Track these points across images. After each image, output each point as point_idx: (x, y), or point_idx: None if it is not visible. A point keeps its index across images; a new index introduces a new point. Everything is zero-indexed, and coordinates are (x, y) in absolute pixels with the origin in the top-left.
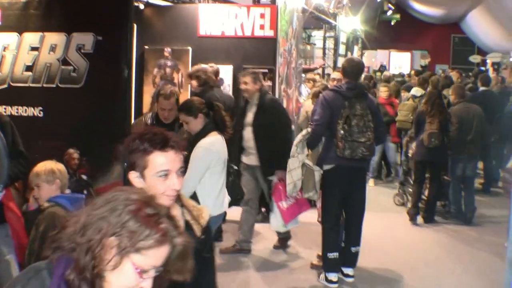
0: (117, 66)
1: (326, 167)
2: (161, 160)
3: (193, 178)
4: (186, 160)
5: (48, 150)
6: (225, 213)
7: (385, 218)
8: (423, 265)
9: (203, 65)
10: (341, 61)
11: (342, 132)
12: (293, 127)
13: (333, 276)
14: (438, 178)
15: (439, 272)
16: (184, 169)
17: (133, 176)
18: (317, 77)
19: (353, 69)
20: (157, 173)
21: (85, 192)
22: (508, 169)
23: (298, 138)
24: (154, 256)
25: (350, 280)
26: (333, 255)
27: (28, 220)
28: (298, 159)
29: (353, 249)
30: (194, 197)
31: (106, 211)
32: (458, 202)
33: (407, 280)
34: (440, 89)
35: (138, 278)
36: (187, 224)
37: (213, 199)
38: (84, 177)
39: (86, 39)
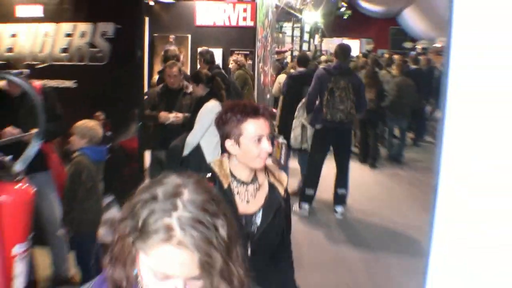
0: (132, 49)
1: (316, 126)
2: (254, 127)
3: (199, 131)
4: (191, 120)
5: (80, 113)
6: None
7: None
8: (366, 201)
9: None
10: (305, 46)
11: (326, 101)
12: (268, 96)
13: (305, 206)
14: (376, 132)
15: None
16: (272, 135)
17: (229, 144)
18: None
19: (342, 52)
20: (252, 138)
21: (108, 145)
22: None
23: (300, 104)
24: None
25: (338, 216)
26: (309, 191)
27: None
28: (299, 120)
29: (339, 191)
30: (198, 147)
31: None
32: (395, 150)
33: (355, 213)
34: (384, 67)
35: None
36: (272, 185)
37: (212, 150)
38: (108, 133)
39: (108, 27)
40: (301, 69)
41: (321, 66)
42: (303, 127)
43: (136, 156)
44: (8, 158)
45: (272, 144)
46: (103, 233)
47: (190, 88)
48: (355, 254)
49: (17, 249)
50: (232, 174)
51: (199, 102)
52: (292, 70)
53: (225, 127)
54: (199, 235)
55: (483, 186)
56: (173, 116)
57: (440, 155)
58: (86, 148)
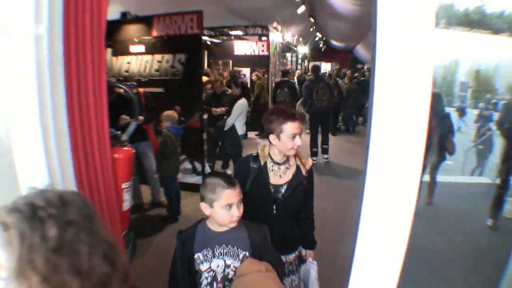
0: (195, 69)
1: (310, 111)
2: (291, 127)
3: (234, 116)
4: (229, 110)
5: (166, 107)
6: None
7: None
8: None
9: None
10: (299, 66)
11: (315, 96)
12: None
13: (313, 158)
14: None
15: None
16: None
17: (272, 137)
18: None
19: (315, 69)
20: (288, 135)
21: (183, 125)
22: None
23: (299, 101)
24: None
25: (326, 160)
26: (314, 149)
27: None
28: (299, 110)
29: (324, 146)
30: (233, 126)
31: None
32: (348, 126)
33: (331, 159)
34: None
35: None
36: (298, 167)
37: (240, 127)
38: (182, 118)
39: (182, 57)
40: (284, 78)
41: (307, 79)
42: (302, 114)
43: (198, 131)
44: (119, 132)
45: None
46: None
47: (229, 91)
48: (336, 180)
49: (124, 185)
50: (270, 156)
51: (234, 99)
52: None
53: (270, 125)
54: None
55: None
56: (219, 110)
57: (369, 132)
58: (169, 127)
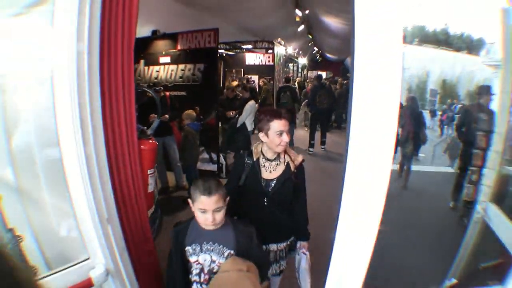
0: (212, 76)
1: (312, 111)
2: (278, 125)
3: (244, 115)
4: (240, 111)
5: (188, 107)
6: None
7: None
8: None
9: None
10: (299, 74)
11: (317, 99)
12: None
13: (309, 149)
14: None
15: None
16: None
17: (261, 135)
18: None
19: (318, 78)
20: (275, 133)
21: (202, 122)
22: None
23: (303, 102)
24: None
25: (323, 149)
26: (312, 142)
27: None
28: (303, 110)
29: (322, 139)
30: (244, 123)
31: None
32: (339, 123)
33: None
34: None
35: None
36: (288, 163)
37: (249, 124)
38: (201, 117)
39: (201, 66)
40: (287, 84)
41: (309, 85)
42: (305, 113)
43: (215, 127)
44: (145, 128)
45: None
46: (199, 165)
47: (240, 95)
48: (330, 164)
49: (149, 171)
50: (263, 153)
51: (245, 101)
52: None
53: (260, 124)
54: None
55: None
56: (232, 113)
57: (349, 129)
58: (190, 123)
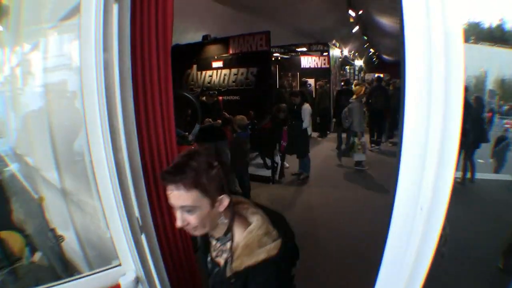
0: (265, 80)
1: (370, 110)
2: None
3: (306, 121)
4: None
5: (241, 112)
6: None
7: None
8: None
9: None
10: (356, 77)
11: (372, 100)
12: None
13: (372, 145)
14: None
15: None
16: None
17: None
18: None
19: (378, 79)
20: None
21: (256, 127)
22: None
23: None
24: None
25: (377, 148)
26: (372, 138)
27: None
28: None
29: (378, 139)
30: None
31: None
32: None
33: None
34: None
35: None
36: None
37: (308, 123)
38: (255, 121)
39: (254, 70)
40: (346, 87)
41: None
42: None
43: (270, 131)
44: (186, 133)
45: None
46: (253, 171)
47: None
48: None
49: None
50: None
51: (300, 104)
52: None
53: None
54: None
55: None
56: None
57: (402, 131)
58: (238, 132)
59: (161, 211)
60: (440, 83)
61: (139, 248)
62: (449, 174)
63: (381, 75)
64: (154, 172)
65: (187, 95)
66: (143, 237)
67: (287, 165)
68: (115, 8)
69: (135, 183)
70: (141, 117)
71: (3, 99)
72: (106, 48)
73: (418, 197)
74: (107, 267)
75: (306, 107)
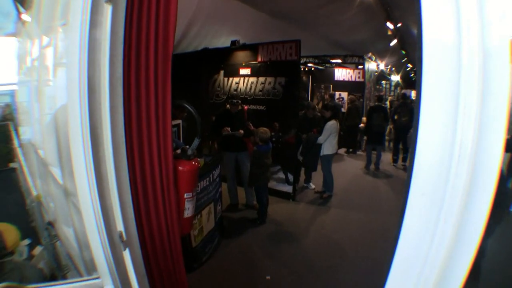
0: (293, 91)
1: (395, 126)
2: None
3: (324, 136)
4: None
5: (267, 123)
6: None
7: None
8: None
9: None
10: (392, 93)
11: (397, 116)
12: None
13: (394, 164)
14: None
15: None
16: None
17: None
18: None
19: (403, 96)
20: None
21: (280, 140)
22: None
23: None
24: None
25: (403, 164)
26: (394, 157)
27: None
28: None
29: (404, 154)
30: (317, 144)
31: None
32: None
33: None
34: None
35: None
36: None
37: (331, 146)
38: (280, 134)
39: (282, 80)
40: (378, 103)
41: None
42: (390, 129)
43: (293, 146)
44: (187, 147)
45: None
46: (274, 185)
47: (318, 115)
48: None
49: (186, 195)
50: None
51: (325, 121)
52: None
53: None
54: None
55: None
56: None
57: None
58: (259, 145)
59: (150, 226)
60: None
61: (119, 264)
62: None
63: (408, 92)
64: (145, 186)
65: (187, 106)
66: (127, 252)
67: (312, 186)
68: (107, 8)
69: (121, 196)
70: (133, 127)
71: (29, 89)
72: (93, 49)
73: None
74: (87, 277)
75: (330, 125)
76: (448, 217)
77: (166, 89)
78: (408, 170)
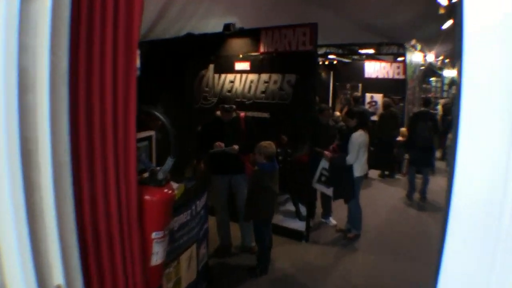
0: (307, 93)
1: None
2: None
3: (353, 154)
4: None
5: (271, 135)
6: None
7: None
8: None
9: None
10: (444, 94)
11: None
12: None
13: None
14: None
15: None
16: None
17: None
18: None
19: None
20: None
21: (288, 158)
22: None
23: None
24: None
25: None
26: None
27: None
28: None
29: None
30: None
31: None
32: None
33: None
34: None
35: None
36: None
37: (360, 166)
38: (289, 150)
39: (292, 77)
40: (425, 109)
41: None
42: None
43: (306, 167)
44: (157, 169)
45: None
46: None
47: (341, 123)
48: None
49: (155, 235)
50: None
51: (349, 132)
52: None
53: None
54: None
55: None
56: (328, 153)
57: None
58: (263, 163)
59: (101, 278)
60: None
61: None
62: None
63: None
64: (97, 223)
65: (155, 113)
66: None
67: (333, 222)
68: None
69: (62, 238)
70: (81, 141)
71: None
72: (25, 31)
73: None
74: None
75: (357, 136)
76: (501, 277)
77: (129, 90)
78: (445, 208)
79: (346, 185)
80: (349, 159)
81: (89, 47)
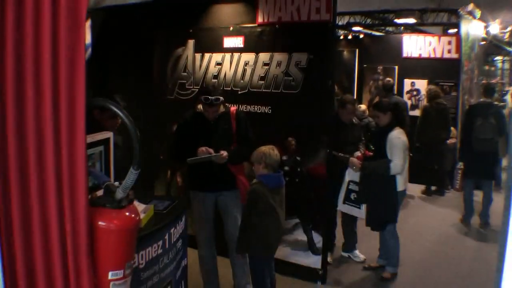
0: (324, 78)
1: None
2: None
3: (400, 161)
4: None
5: (274, 137)
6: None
7: None
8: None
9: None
10: None
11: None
12: None
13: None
14: None
15: None
16: None
17: None
18: None
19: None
20: None
21: (298, 169)
22: None
23: None
24: None
25: None
26: None
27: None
28: None
29: None
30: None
31: None
32: None
33: None
34: None
35: None
36: None
37: (403, 178)
38: (298, 158)
39: (302, 57)
40: (487, 100)
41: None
42: None
43: (323, 181)
44: (116, 184)
45: None
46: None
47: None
48: None
49: (113, 275)
50: None
51: (384, 131)
52: None
53: None
54: None
55: None
56: (356, 161)
57: None
58: (262, 175)
59: None
60: None
61: None
62: None
63: None
64: (32, 260)
65: (112, 107)
66: None
67: (360, 256)
68: None
69: None
70: (10, 147)
71: None
72: None
73: None
74: None
75: (399, 136)
76: None
77: (76, 76)
78: (500, 247)
79: (387, 204)
80: (395, 166)
81: (17, 18)
